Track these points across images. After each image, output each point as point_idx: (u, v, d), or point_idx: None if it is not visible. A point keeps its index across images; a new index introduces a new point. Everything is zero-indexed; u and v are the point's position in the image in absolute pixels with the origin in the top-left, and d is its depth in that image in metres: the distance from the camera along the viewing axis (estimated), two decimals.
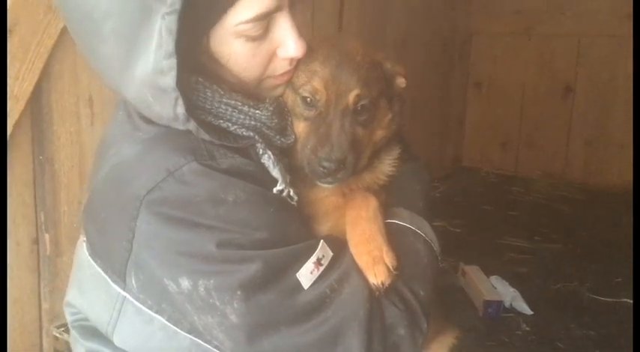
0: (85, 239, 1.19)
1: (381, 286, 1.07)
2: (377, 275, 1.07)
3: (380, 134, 1.25)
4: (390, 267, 1.08)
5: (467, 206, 4.06)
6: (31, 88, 1.85)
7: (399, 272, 1.09)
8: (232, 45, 1.08)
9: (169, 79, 0.98)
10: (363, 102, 1.17)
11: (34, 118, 1.91)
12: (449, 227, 3.55)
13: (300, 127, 1.19)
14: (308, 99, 1.17)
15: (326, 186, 1.19)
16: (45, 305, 2.00)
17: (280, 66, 1.16)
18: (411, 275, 1.14)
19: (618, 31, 4.27)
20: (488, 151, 4.95)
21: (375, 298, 1.07)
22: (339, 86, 1.15)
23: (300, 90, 1.17)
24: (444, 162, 4.77)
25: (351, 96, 1.15)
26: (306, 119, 1.18)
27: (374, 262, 1.08)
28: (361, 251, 1.10)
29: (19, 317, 1.96)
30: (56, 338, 1.96)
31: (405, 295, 1.10)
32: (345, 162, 1.13)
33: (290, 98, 1.20)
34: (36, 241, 1.96)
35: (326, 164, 1.11)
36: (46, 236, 1.97)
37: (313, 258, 1.05)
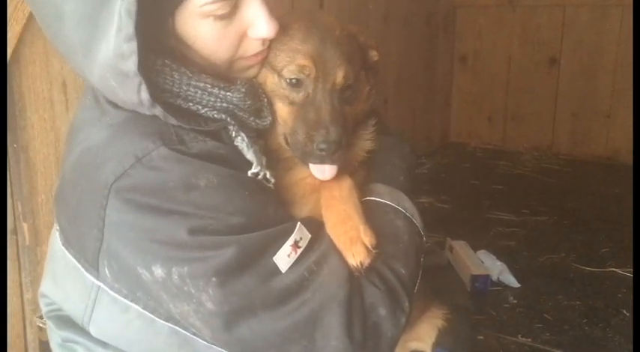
0: (57, 228, 1.17)
1: (360, 266, 1.05)
2: (355, 256, 1.06)
3: (360, 107, 1.23)
4: (369, 246, 1.06)
5: (454, 181, 4.06)
6: None
7: (379, 250, 1.08)
8: (199, 26, 1.05)
9: (131, 64, 0.94)
10: (349, 80, 1.14)
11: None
12: (436, 203, 3.55)
13: (285, 111, 1.15)
14: (293, 81, 1.13)
15: None
16: (27, 296, 1.98)
17: (252, 47, 1.12)
18: (391, 253, 1.12)
19: (603, 1, 4.24)
20: (476, 126, 4.94)
21: (354, 279, 1.05)
22: (326, 63, 1.11)
23: (284, 72, 1.13)
24: (430, 138, 4.75)
25: (339, 75, 1.12)
26: (291, 102, 1.14)
27: (351, 242, 1.06)
28: (338, 232, 1.08)
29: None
30: (40, 328, 1.94)
31: (384, 274, 1.09)
32: (341, 143, 1.10)
33: (271, 81, 1.16)
34: (14, 231, 1.92)
35: (323, 146, 1.09)
36: (25, 225, 1.93)
37: (290, 241, 1.03)
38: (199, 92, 1.06)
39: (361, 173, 1.25)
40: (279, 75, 1.14)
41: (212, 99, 1.08)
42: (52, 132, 1.98)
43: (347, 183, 1.15)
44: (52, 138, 1.98)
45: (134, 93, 0.97)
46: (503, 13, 4.64)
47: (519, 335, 2.24)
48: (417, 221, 1.21)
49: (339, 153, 1.11)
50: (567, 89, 4.52)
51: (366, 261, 1.06)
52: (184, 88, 1.05)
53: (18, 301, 1.98)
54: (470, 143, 4.91)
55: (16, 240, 1.94)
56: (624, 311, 2.38)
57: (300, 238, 1.04)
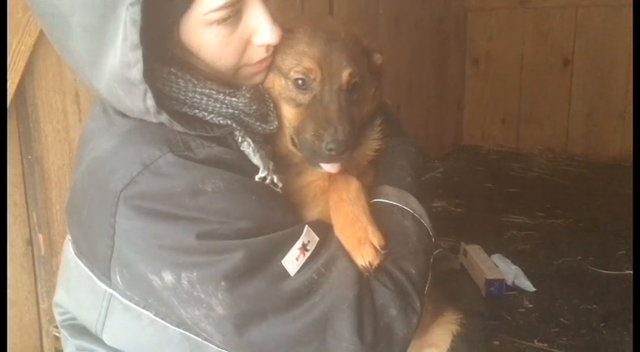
0: (70, 238, 1.18)
1: (369, 267, 1.05)
2: (364, 256, 1.06)
3: (366, 109, 1.24)
4: (377, 247, 1.07)
5: (467, 185, 4.03)
6: (14, 87, 1.82)
7: (388, 251, 1.08)
8: (204, 34, 1.06)
9: (136, 72, 0.95)
10: (355, 80, 1.16)
11: (20, 118, 1.89)
12: (449, 206, 3.53)
13: (292, 113, 1.17)
14: (300, 82, 1.15)
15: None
16: (43, 306, 2.00)
17: (256, 54, 1.13)
18: (400, 254, 1.12)
19: (615, 0, 4.20)
20: (489, 128, 4.91)
21: (364, 280, 1.05)
22: (332, 65, 1.13)
23: (291, 74, 1.15)
24: (443, 142, 4.73)
25: (345, 75, 1.14)
26: (298, 104, 1.16)
27: (360, 243, 1.07)
28: (346, 233, 1.09)
29: (18, 319, 1.95)
30: (56, 337, 1.96)
31: (394, 274, 1.09)
32: (349, 142, 1.11)
33: (278, 84, 1.17)
34: (30, 242, 1.95)
35: (332, 146, 1.10)
36: (40, 236, 1.96)
37: (298, 244, 1.03)
38: (205, 98, 1.08)
39: (371, 174, 1.27)
40: (286, 77, 1.16)
41: (218, 105, 1.09)
42: (65, 143, 2.00)
43: (355, 186, 1.15)
44: (66, 149, 2.01)
45: (140, 101, 0.99)
46: (514, 15, 4.62)
47: (535, 340, 2.21)
48: (426, 221, 1.21)
49: (347, 153, 1.12)
50: (581, 90, 4.48)
51: (375, 262, 1.06)
52: (190, 95, 1.07)
53: (34, 311, 2.00)
54: (483, 146, 4.88)
55: (32, 251, 1.97)
56: None
57: (308, 241, 1.05)
